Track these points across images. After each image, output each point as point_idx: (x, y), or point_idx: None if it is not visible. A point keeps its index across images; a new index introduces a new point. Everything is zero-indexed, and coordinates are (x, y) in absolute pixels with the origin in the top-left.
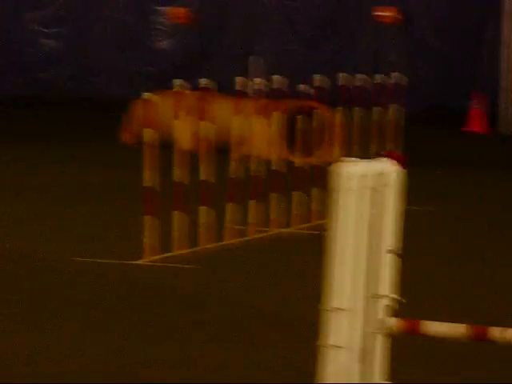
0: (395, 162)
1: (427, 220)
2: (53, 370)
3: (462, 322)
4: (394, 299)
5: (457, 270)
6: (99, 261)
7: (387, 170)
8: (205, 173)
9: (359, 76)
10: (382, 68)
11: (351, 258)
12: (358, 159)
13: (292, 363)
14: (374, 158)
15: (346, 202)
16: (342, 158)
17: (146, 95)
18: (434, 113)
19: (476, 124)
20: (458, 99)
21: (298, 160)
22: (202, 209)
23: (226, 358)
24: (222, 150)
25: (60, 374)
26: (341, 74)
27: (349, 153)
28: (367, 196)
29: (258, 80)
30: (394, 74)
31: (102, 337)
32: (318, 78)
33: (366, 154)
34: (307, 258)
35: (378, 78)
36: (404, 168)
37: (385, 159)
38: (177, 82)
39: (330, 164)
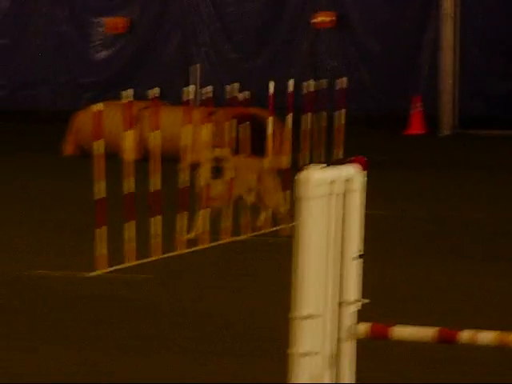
0: (360, 166)
1: (382, 224)
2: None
3: (429, 325)
4: (361, 304)
5: (416, 272)
6: (51, 273)
7: (353, 176)
8: (154, 183)
9: (311, 82)
10: (323, 73)
11: (320, 265)
12: (324, 165)
13: (264, 372)
14: (338, 163)
15: (314, 209)
16: (307, 165)
17: (94, 106)
18: (375, 116)
19: (417, 126)
20: (398, 102)
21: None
22: (153, 219)
23: (194, 369)
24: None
25: None
26: (290, 81)
27: (299, 158)
28: (335, 202)
29: (207, 89)
30: (340, 79)
31: (62, 350)
32: (271, 85)
33: (318, 159)
34: (265, 264)
35: (323, 83)
36: (366, 172)
37: (350, 164)
38: (125, 92)
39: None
